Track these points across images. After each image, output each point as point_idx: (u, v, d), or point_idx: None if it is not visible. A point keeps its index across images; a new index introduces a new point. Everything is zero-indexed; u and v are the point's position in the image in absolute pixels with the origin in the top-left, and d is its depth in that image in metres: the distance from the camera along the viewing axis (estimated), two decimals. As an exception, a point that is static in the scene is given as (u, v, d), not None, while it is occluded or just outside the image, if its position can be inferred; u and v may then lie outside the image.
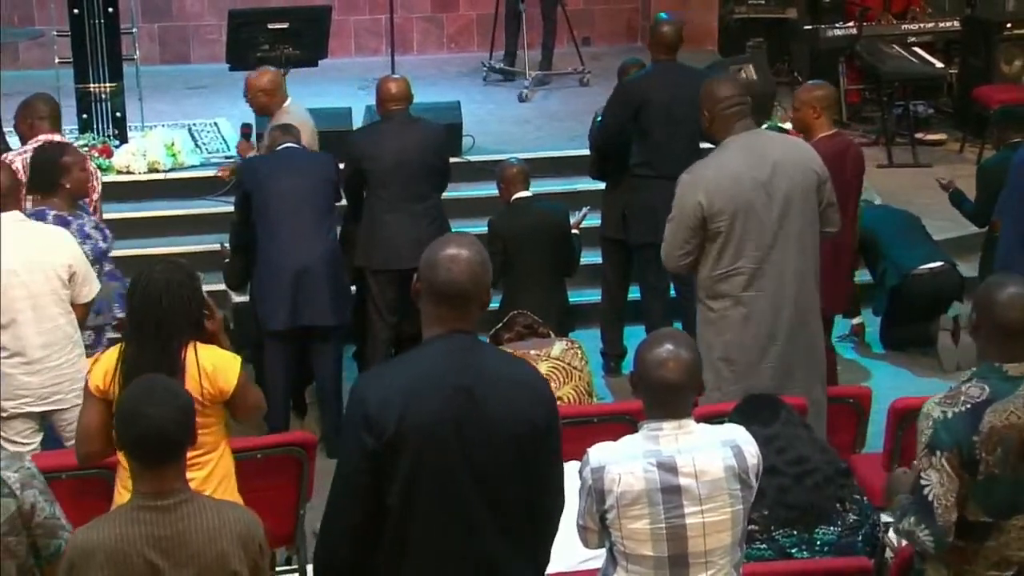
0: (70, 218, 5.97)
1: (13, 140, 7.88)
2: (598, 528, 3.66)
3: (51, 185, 5.99)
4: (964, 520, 3.85)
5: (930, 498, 3.81)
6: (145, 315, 4.32)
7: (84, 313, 5.68)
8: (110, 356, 4.38)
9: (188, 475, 4.15)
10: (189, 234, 8.40)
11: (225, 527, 3.47)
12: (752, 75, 9.73)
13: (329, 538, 3.41)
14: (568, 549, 3.96)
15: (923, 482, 3.83)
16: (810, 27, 11.22)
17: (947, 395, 3.88)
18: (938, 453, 3.81)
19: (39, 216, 5.90)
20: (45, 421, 5.57)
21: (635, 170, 7.31)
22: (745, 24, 11.61)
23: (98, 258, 6.02)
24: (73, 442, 5.49)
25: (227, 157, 9.23)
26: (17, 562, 3.71)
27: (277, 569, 5.33)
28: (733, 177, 5.32)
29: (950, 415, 3.81)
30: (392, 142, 7.04)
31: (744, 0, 11.67)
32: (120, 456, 4.22)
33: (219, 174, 8.38)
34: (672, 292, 7.51)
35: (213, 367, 4.34)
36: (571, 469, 3.66)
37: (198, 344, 4.37)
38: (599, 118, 7.69)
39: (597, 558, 3.90)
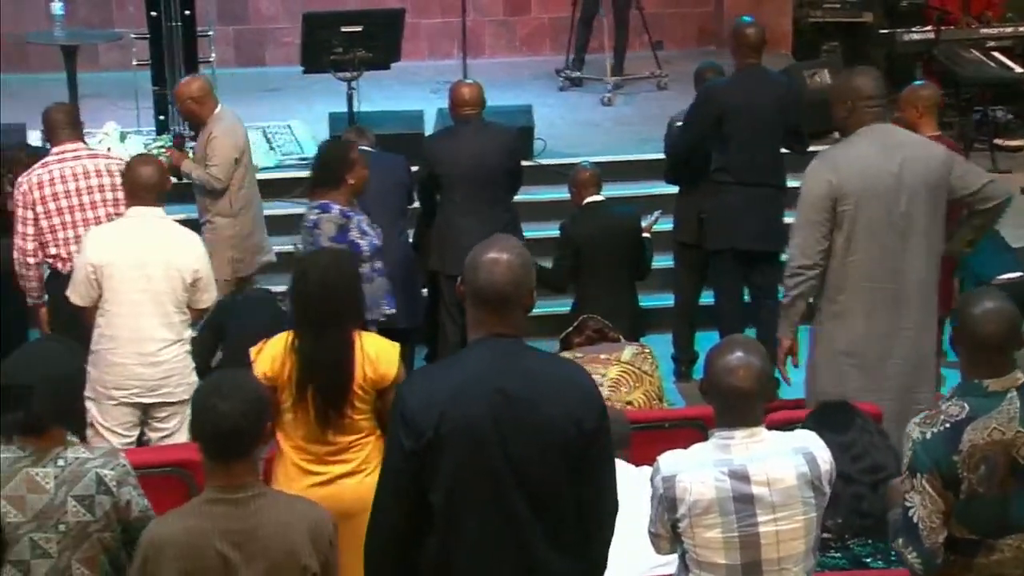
0: (351, 213, 6.13)
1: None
2: (670, 535, 3.64)
3: (337, 180, 6.12)
4: (951, 536, 3.76)
5: (915, 520, 3.73)
6: (318, 302, 4.43)
7: (199, 317, 5.85)
8: (276, 343, 4.49)
9: (345, 457, 4.42)
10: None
11: (296, 522, 3.51)
12: (827, 80, 9.65)
13: (373, 536, 3.43)
14: (639, 555, 3.95)
15: (907, 504, 3.75)
16: (887, 31, 11.11)
17: (927, 415, 3.79)
18: (919, 475, 3.72)
19: (324, 209, 6.04)
20: (144, 415, 5.67)
21: (715, 175, 7.24)
22: (820, 28, 11.51)
23: (373, 254, 6.15)
24: (163, 435, 5.64)
25: (301, 159, 9.30)
26: (110, 556, 3.80)
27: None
28: (862, 160, 5.29)
29: (928, 436, 3.73)
30: (465, 147, 7.06)
31: (819, 4, 11.57)
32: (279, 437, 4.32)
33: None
34: (747, 298, 7.46)
35: (376, 353, 4.46)
36: (643, 474, 3.64)
37: (361, 332, 4.49)
38: (677, 123, 7.65)
39: (668, 564, 3.88)
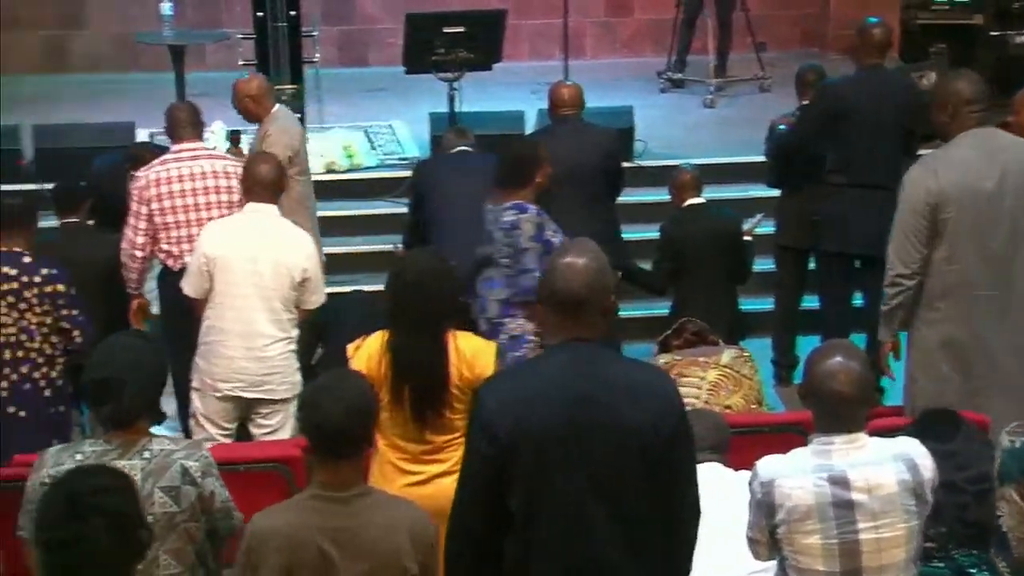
0: (542, 211, 6.15)
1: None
2: (768, 541, 3.61)
3: (528, 179, 6.16)
4: None
5: (1004, 528, 3.65)
6: (413, 302, 4.45)
7: (307, 317, 5.89)
8: (372, 342, 4.53)
9: (441, 456, 4.43)
10: (364, 234, 8.54)
11: (399, 523, 3.53)
12: (934, 82, 9.49)
13: (452, 538, 3.44)
14: (737, 560, 3.91)
15: (998, 512, 3.68)
16: (998, 33, 10.90)
17: (1020, 424, 3.71)
18: (1006, 484, 3.65)
19: (520, 209, 6.04)
20: (247, 409, 5.75)
21: (829, 177, 7.12)
22: (928, 30, 11.32)
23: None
24: (266, 432, 5.72)
25: (401, 159, 9.36)
26: (196, 547, 3.86)
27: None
28: (963, 166, 5.21)
29: (1018, 444, 3.66)
30: (563, 147, 7.03)
31: (927, 5, 11.39)
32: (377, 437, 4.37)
33: None
34: (859, 302, 7.35)
35: (472, 353, 4.48)
36: (741, 479, 3.62)
37: (457, 331, 4.50)
38: (780, 127, 7.57)
39: (767, 570, 3.85)
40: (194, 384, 5.81)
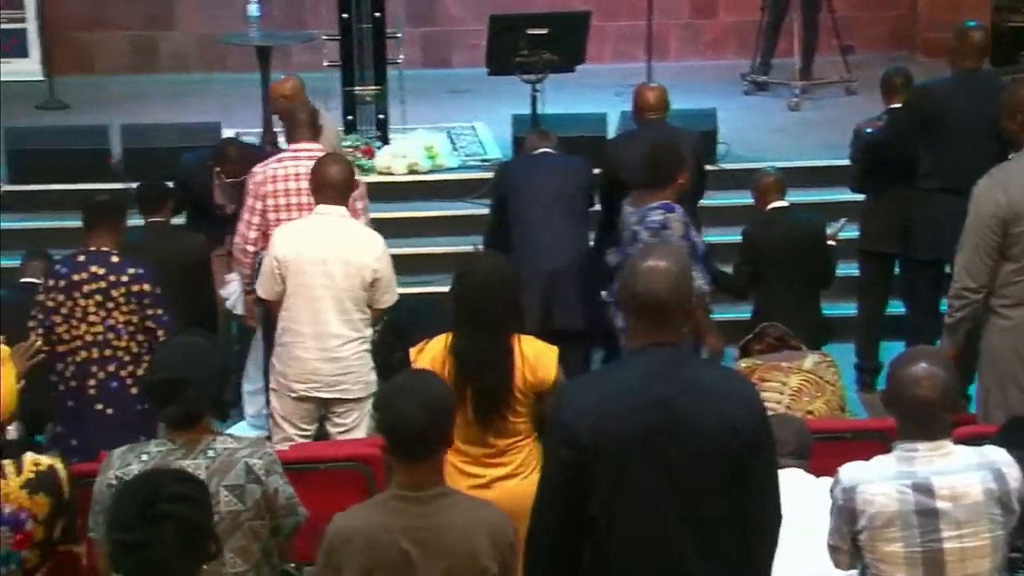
0: (686, 213, 6.21)
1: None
2: (849, 549, 3.57)
3: (671, 179, 6.21)
4: None
5: None
6: (477, 306, 4.46)
7: (380, 317, 5.93)
8: (436, 345, 4.54)
9: (503, 460, 4.45)
10: (445, 235, 8.56)
11: (478, 524, 3.53)
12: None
13: (532, 542, 3.43)
14: (816, 567, 3.87)
15: None
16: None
17: None
18: None
19: (668, 209, 6.07)
20: (324, 409, 5.79)
21: (921, 182, 7.01)
22: (1019, 32, 11.16)
23: (700, 257, 6.23)
24: (342, 431, 5.74)
25: (483, 160, 9.39)
26: (261, 545, 3.89)
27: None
28: None
29: None
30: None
31: (1019, 8, 11.22)
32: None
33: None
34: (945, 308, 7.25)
35: (535, 357, 4.48)
36: (822, 485, 3.58)
37: (520, 335, 4.50)
38: (865, 130, 7.49)
39: (847, 577, 3.81)
40: (271, 385, 5.86)
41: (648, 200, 6.09)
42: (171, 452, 3.83)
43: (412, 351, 4.59)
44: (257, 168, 6.52)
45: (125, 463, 3.82)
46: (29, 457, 3.72)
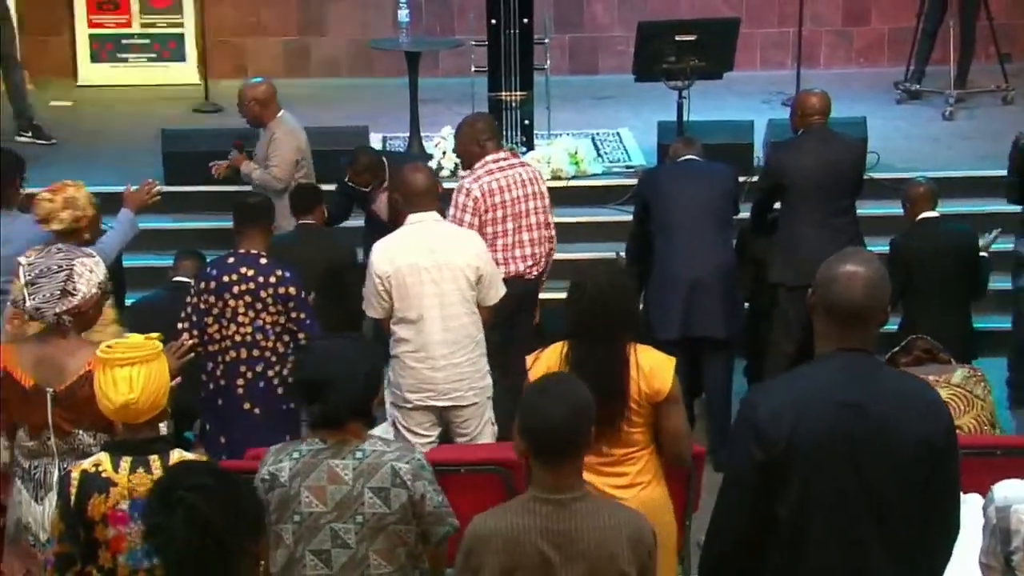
0: None
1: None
2: (1002, 568, 3.49)
3: None
4: None
5: None
6: (595, 315, 4.44)
7: (489, 316, 5.89)
8: (551, 354, 4.53)
9: (619, 469, 4.41)
10: (587, 241, 8.55)
11: (617, 528, 3.52)
12: None
13: (715, 546, 3.41)
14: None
15: None
16: None
17: None
18: None
19: None
20: (444, 416, 5.80)
21: None
22: None
23: None
24: (465, 439, 5.76)
25: (627, 167, 9.36)
26: (407, 548, 3.90)
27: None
28: None
29: None
30: (814, 156, 6.94)
31: None
32: None
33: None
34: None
35: (650, 367, 4.44)
36: (971, 501, 3.50)
37: (637, 345, 4.47)
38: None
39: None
40: (388, 398, 5.86)
41: None
42: (321, 451, 3.88)
43: (528, 358, 4.58)
44: (470, 185, 6.38)
45: (277, 460, 3.90)
46: (176, 454, 3.80)
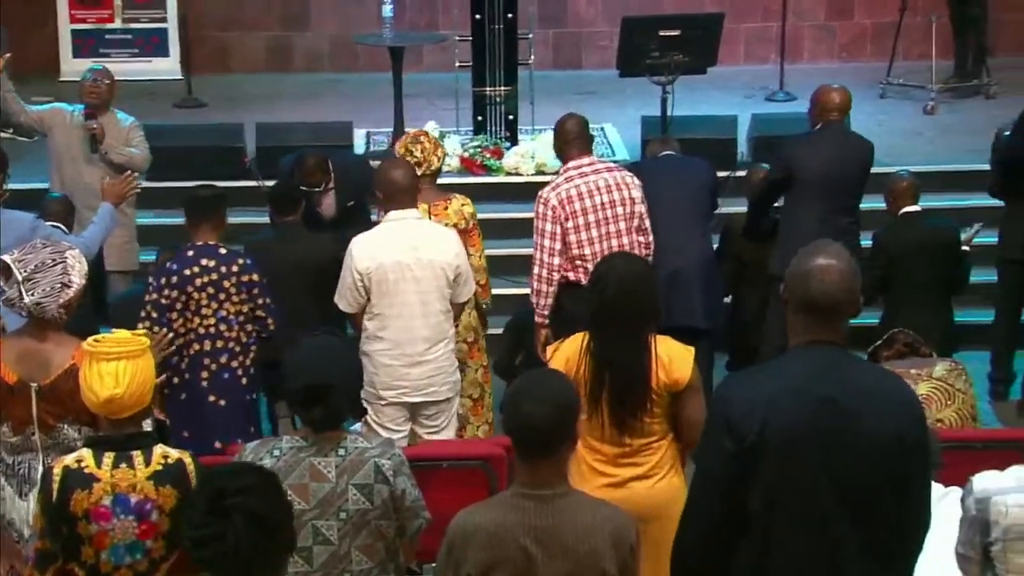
0: None
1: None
2: (980, 559, 3.50)
3: None
4: None
5: None
6: (617, 306, 4.43)
7: (459, 312, 5.93)
8: (571, 345, 4.53)
9: (637, 460, 4.44)
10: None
11: (599, 525, 3.52)
12: None
13: (687, 537, 3.41)
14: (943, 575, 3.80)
15: None
16: None
17: None
18: None
19: None
20: (413, 412, 5.81)
21: None
22: None
23: None
24: (432, 433, 5.74)
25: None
26: (386, 543, 3.92)
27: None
28: None
29: None
30: (827, 152, 6.94)
31: None
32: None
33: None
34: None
35: (669, 358, 4.45)
36: (950, 495, 3.51)
37: (657, 336, 4.47)
38: (1005, 133, 7.32)
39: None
40: (361, 394, 5.81)
41: None
42: (303, 449, 3.88)
43: (548, 349, 4.60)
44: (548, 194, 6.23)
45: (258, 457, 3.89)
46: (159, 450, 3.79)
